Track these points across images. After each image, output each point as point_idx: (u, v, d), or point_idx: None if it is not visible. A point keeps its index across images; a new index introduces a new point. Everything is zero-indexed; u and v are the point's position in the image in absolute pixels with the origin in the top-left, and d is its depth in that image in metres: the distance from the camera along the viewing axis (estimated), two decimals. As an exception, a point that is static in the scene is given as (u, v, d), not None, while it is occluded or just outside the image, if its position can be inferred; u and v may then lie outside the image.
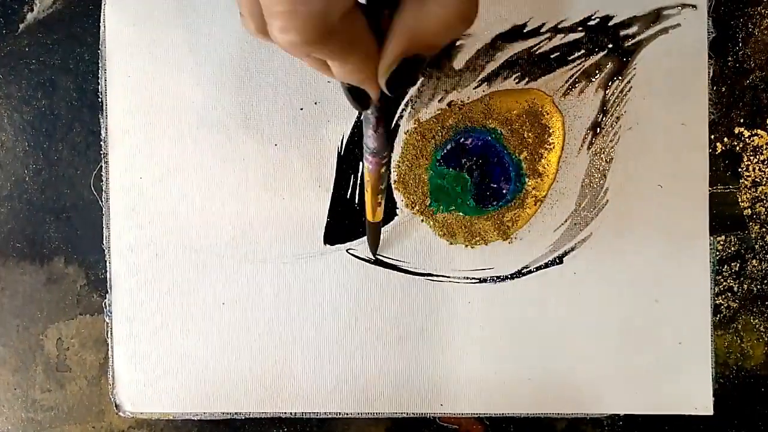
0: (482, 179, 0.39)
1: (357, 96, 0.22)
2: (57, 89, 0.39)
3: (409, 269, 0.39)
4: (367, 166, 0.29)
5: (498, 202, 0.39)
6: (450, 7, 0.19)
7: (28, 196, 0.39)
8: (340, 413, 0.39)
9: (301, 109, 0.39)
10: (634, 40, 0.38)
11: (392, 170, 0.39)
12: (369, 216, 0.34)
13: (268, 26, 0.19)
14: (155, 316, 0.39)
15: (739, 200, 0.39)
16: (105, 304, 0.39)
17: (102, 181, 0.39)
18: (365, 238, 0.39)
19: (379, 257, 0.39)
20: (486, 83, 0.38)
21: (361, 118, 0.26)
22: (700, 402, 0.39)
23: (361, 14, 0.20)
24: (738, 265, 0.39)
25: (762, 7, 0.39)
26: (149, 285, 0.39)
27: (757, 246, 0.39)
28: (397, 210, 0.39)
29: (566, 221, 0.39)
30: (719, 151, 0.39)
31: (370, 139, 0.26)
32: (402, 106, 0.39)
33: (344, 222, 0.39)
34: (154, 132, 0.39)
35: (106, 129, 0.39)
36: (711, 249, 0.39)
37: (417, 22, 0.20)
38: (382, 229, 0.39)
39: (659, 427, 0.39)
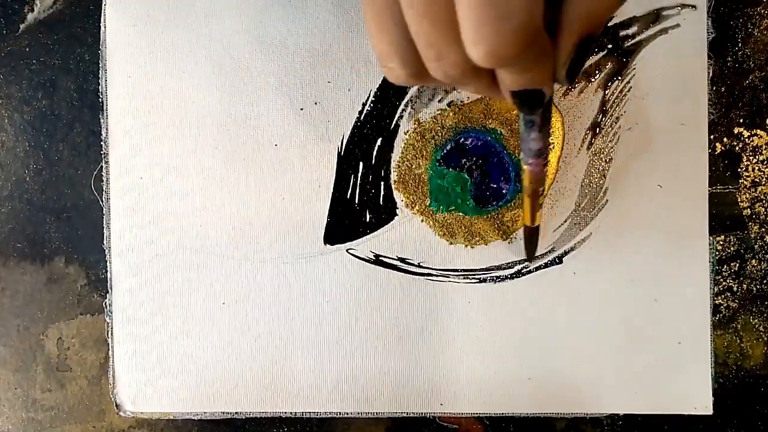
0: (482, 179, 0.39)
1: (531, 99, 0.21)
2: (57, 89, 0.39)
3: (409, 269, 0.39)
4: (529, 170, 0.28)
5: (498, 202, 0.39)
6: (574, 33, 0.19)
7: (29, 196, 0.40)
8: (340, 413, 0.39)
9: (301, 109, 0.39)
10: (633, 41, 0.38)
11: (392, 170, 0.39)
12: (528, 221, 0.33)
13: (449, 57, 0.19)
14: (155, 316, 0.39)
15: (739, 200, 0.39)
16: (105, 304, 0.39)
17: (102, 181, 0.39)
18: (365, 238, 0.39)
19: (379, 257, 0.39)
20: (486, 83, 0.38)
21: (522, 121, 0.25)
22: (700, 402, 0.39)
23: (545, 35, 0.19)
24: (737, 265, 0.39)
25: (761, 8, 0.39)
26: (149, 285, 0.39)
27: (756, 246, 0.39)
28: (397, 210, 0.39)
29: (566, 221, 0.39)
30: (719, 151, 0.39)
31: (533, 141, 0.25)
32: (402, 107, 0.39)
33: (344, 222, 0.39)
34: (155, 132, 0.39)
35: (107, 129, 0.39)
36: (710, 249, 0.39)
37: (590, 4, 0.19)
38: (382, 228, 0.39)
39: (659, 427, 0.39)
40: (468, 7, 0.17)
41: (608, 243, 0.39)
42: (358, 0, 0.38)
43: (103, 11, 0.39)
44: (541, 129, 0.24)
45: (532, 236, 0.37)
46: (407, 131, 0.39)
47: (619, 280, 0.39)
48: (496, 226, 0.39)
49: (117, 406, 0.39)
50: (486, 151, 0.39)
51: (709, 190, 0.39)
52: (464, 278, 0.39)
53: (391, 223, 0.39)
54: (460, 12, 0.17)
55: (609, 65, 0.39)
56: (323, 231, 0.39)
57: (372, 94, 0.39)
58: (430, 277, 0.39)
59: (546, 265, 0.39)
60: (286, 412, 0.39)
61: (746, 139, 0.39)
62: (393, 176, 0.39)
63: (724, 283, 0.39)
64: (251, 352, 0.39)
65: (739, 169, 0.39)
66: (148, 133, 0.39)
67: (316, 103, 0.39)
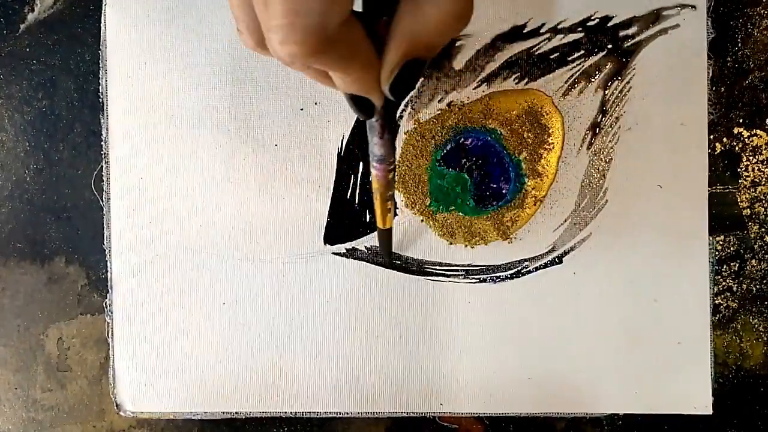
0: (482, 179, 0.39)
1: (361, 105, 0.22)
2: (58, 89, 0.39)
3: (409, 269, 0.39)
4: (374, 174, 0.29)
5: (498, 202, 0.39)
6: (445, 8, 0.19)
7: (29, 196, 0.40)
8: (340, 413, 0.39)
9: (301, 109, 0.39)
10: (633, 41, 0.38)
11: (392, 170, 0.39)
12: (380, 223, 0.34)
13: (266, 40, 0.19)
14: (155, 316, 0.39)
15: (739, 200, 0.39)
16: (105, 303, 0.39)
17: (102, 181, 0.39)
18: (365, 238, 0.39)
19: (380, 257, 0.39)
20: (486, 83, 0.39)
21: (367, 125, 0.26)
22: (700, 401, 0.39)
23: (358, 23, 0.20)
24: (737, 265, 0.39)
25: (761, 8, 0.39)
26: (149, 285, 0.39)
27: (756, 246, 0.39)
28: (397, 210, 0.39)
29: (566, 221, 0.39)
30: (718, 151, 0.39)
31: (376, 147, 0.26)
32: (402, 107, 0.39)
33: (344, 222, 0.39)
34: (155, 132, 0.39)
35: (107, 129, 0.39)
36: (710, 249, 0.39)
37: (415, 26, 0.20)
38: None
39: (658, 427, 0.39)
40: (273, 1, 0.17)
41: (608, 243, 0.39)
42: (358, 0, 0.38)
43: (103, 11, 0.39)
44: (382, 136, 0.25)
45: (384, 239, 0.36)
46: (407, 131, 0.39)
47: (619, 280, 0.39)
48: (496, 226, 0.39)
49: (117, 405, 0.39)
50: (486, 151, 0.39)
51: (709, 190, 0.39)
52: (464, 278, 0.39)
53: (391, 223, 0.39)
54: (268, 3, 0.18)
55: (609, 65, 0.39)
56: (323, 231, 0.39)
57: (372, 94, 0.39)
58: (430, 278, 0.39)
59: (546, 265, 0.39)
60: (286, 412, 0.39)
61: (746, 139, 0.39)
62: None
63: (723, 283, 0.39)
64: (251, 352, 0.39)
65: (738, 169, 0.39)
66: (148, 133, 0.39)
67: (316, 103, 0.39)
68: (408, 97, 0.39)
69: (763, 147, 0.39)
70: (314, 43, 0.18)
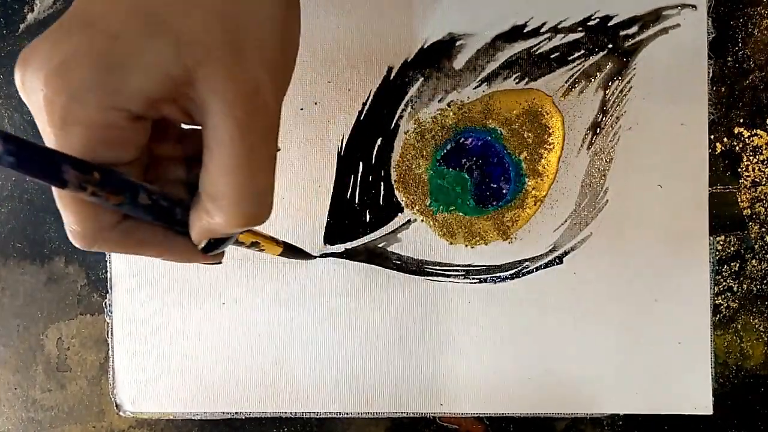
0: (482, 179, 0.39)
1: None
2: (57, 89, 0.39)
3: (409, 269, 0.39)
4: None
5: (498, 202, 0.39)
6: (234, 220, 0.20)
7: (29, 196, 0.39)
8: (340, 413, 0.39)
9: (301, 109, 0.39)
10: (633, 41, 0.38)
11: (392, 170, 0.39)
12: (270, 253, 0.32)
13: None
14: (155, 316, 0.39)
15: (739, 200, 0.39)
16: (105, 304, 0.39)
17: (102, 181, 0.39)
18: (365, 238, 0.39)
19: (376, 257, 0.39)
20: (486, 83, 0.38)
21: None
22: (700, 402, 0.39)
23: (142, 225, 0.22)
24: (738, 265, 0.39)
25: (762, 7, 0.39)
26: (149, 285, 0.39)
27: (756, 246, 0.39)
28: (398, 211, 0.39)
29: (566, 221, 0.39)
30: (719, 151, 0.39)
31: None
32: (402, 106, 0.39)
33: (344, 222, 0.39)
34: (155, 132, 0.39)
35: (107, 129, 0.39)
36: (711, 249, 0.39)
37: (209, 225, 0.21)
38: (383, 228, 0.39)
39: (659, 427, 0.39)
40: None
41: (608, 243, 0.39)
42: (358, 0, 0.38)
43: (103, 11, 0.39)
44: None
45: (288, 256, 0.35)
46: (407, 131, 0.39)
47: (619, 280, 0.39)
48: (496, 226, 0.39)
49: (117, 406, 0.39)
50: (486, 151, 0.39)
51: (709, 190, 0.39)
52: (464, 278, 0.39)
53: (392, 223, 0.39)
54: None
55: (609, 65, 0.39)
56: (323, 231, 0.39)
57: (372, 94, 0.39)
58: (430, 278, 0.39)
59: (546, 265, 0.39)
60: (286, 412, 0.39)
61: (746, 139, 0.39)
62: (393, 176, 0.39)
63: (724, 283, 0.39)
64: (251, 352, 0.39)
65: (739, 169, 0.39)
66: (148, 133, 0.39)
67: (316, 103, 0.39)
68: (408, 96, 0.39)
69: (764, 147, 0.39)
70: (81, 245, 0.21)
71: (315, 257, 0.39)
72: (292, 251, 0.35)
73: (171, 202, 0.21)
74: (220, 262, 0.25)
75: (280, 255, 0.33)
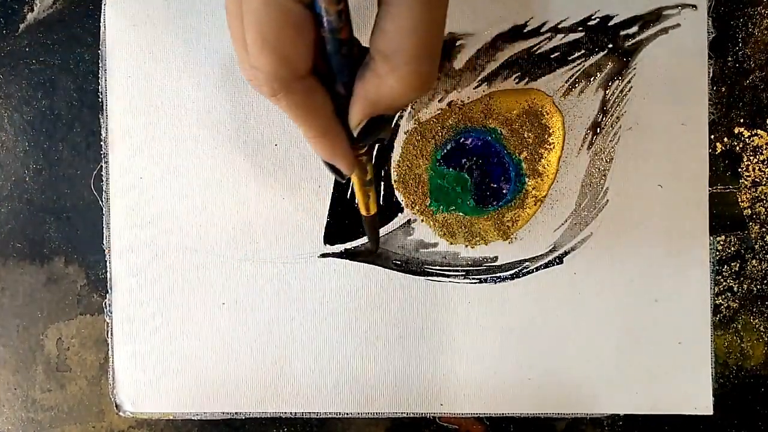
0: (482, 179, 0.39)
1: (334, 170, 0.26)
2: (57, 89, 0.39)
3: (409, 269, 0.39)
4: None
5: (498, 202, 0.39)
6: (407, 82, 0.21)
7: (29, 196, 0.39)
8: (340, 413, 0.39)
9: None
10: (634, 40, 0.38)
11: (392, 170, 0.39)
12: (362, 210, 0.33)
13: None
14: (155, 316, 0.39)
15: (739, 200, 0.39)
16: (105, 304, 0.39)
17: (102, 181, 0.39)
18: (365, 238, 0.39)
19: (378, 255, 0.39)
20: (486, 83, 0.38)
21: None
22: (700, 402, 0.39)
23: (318, 86, 0.22)
24: (738, 265, 0.39)
25: (762, 7, 0.39)
26: (149, 285, 0.39)
27: (757, 246, 0.39)
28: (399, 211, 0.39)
29: (566, 221, 0.39)
30: (719, 151, 0.39)
31: None
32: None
33: (344, 222, 0.39)
34: (154, 132, 0.39)
35: (106, 129, 0.39)
36: (711, 249, 0.39)
37: (377, 93, 0.22)
38: (383, 228, 0.39)
39: (659, 427, 0.39)
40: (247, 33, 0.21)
41: (608, 243, 0.39)
42: (358, 0, 0.38)
43: (103, 11, 0.39)
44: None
45: (368, 225, 0.36)
46: (407, 131, 0.39)
47: (619, 280, 0.39)
48: (496, 226, 0.39)
49: (117, 406, 0.39)
50: (486, 151, 0.39)
51: (709, 190, 0.39)
52: (464, 278, 0.39)
53: (391, 222, 0.39)
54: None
55: (609, 65, 0.39)
56: (323, 231, 0.39)
57: (372, 94, 0.39)
58: (430, 278, 0.39)
59: (546, 265, 0.39)
60: (286, 413, 0.39)
61: (747, 139, 0.39)
62: (393, 176, 0.39)
63: (724, 283, 0.39)
64: (251, 353, 0.39)
65: (739, 169, 0.39)
66: (148, 133, 0.39)
67: (316, 103, 0.39)
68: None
69: (764, 147, 0.39)
70: (269, 91, 0.22)
71: (376, 253, 0.39)
72: (374, 226, 0.36)
73: (360, 51, 0.22)
74: (346, 177, 0.26)
75: (367, 217, 0.34)
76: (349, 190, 0.39)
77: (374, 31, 0.21)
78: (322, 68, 0.22)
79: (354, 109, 0.23)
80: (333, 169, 0.26)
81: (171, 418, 0.39)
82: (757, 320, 0.39)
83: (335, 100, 0.23)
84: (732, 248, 0.39)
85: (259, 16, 0.20)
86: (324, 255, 0.39)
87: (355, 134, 0.24)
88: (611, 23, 0.38)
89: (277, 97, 0.22)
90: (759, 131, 0.39)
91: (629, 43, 0.38)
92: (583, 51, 0.38)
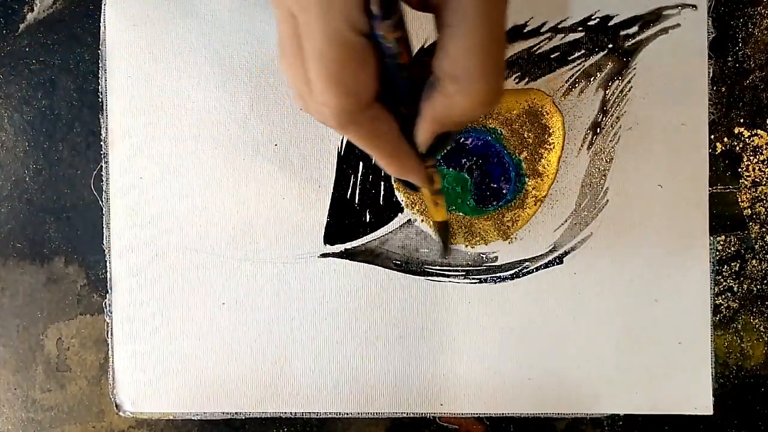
0: (482, 179, 0.39)
1: (407, 184, 0.27)
2: (57, 89, 0.39)
3: (409, 269, 0.39)
4: None
5: (498, 202, 0.39)
6: (475, 98, 0.21)
7: (29, 196, 0.39)
8: (340, 413, 0.39)
9: (302, 108, 0.39)
10: (634, 40, 0.38)
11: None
12: (434, 217, 0.34)
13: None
14: (155, 316, 0.39)
15: (739, 200, 0.39)
16: (105, 304, 0.39)
17: (102, 181, 0.39)
18: (365, 238, 0.39)
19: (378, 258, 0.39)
20: (486, 83, 0.38)
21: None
22: (700, 402, 0.39)
23: (385, 113, 0.23)
24: (738, 265, 0.39)
25: (762, 7, 0.39)
26: (149, 285, 0.39)
27: (757, 246, 0.39)
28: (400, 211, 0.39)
29: (566, 221, 0.39)
30: (719, 151, 0.39)
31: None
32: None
33: (344, 222, 0.39)
34: (154, 132, 0.39)
35: (107, 129, 0.39)
36: (711, 249, 0.39)
37: (446, 112, 0.22)
38: (383, 228, 0.39)
39: (659, 427, 0.39)
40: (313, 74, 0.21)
41: (608, 243, 0.39)
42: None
43: (103, 11, 0.39)
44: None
45: (438, 231, 0.37)
46: (407, 131, 0.39)
47: (619, 280, 0.39)
48: (496, 226, 0.39)
49: (117, 406, 0.39)
50: (486, 151, 0.39)
51: (709, 190, 0.39)
52: (464, 278, 0.39)
53: (392, 223, 0.39)
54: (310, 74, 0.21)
55: (609, 65, 0.39)
56: (323, 231, 0.39)
57: (372, 94, 0.39)
58: (430, 278, 0.39)
59: (546, 265, 0.39)
60: (286, 413, 0.39)
61: (746, 139, 0.39)
62: (393, 176, 0.39)
63: (724, 283, 0.39)
64: (251, 353, 0.39)
65: (739, 169, 0.39)
66: (148, 133, 0.39)
67: (316, 103, 0.39)
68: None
69: (764, 147, 0.39)
70: (337, 124, 0.22)
71: (449, 255, 0.39)
72: (445, 231, 0.36)
73: (419, 71, 0.22)
74: (419, 187, 0.27)
75: (438, 224, 0.35)
76: (349, 190, 0.39)
77: (438, 54, 0.21)
78: (384, 91, 0.23)
79: (422, 128, 0.23)
80: (405, 183, 0.27)
81: (171, 418, 0.39)
82: (757, 320, 0.39)
83: (399, 120, 0.24)
84: (732, 248, 0.39)
85: (323, 54, 0.20)
86: (324, 255, 0.39)
87: (423, 151, 0.24)
88: (611, 23, 0.38)
89: (346, 129, 0.22)
90: (759, 131, 0.39)
91: (629, 43, 0.38)
92: (583, 51, 0.38)
